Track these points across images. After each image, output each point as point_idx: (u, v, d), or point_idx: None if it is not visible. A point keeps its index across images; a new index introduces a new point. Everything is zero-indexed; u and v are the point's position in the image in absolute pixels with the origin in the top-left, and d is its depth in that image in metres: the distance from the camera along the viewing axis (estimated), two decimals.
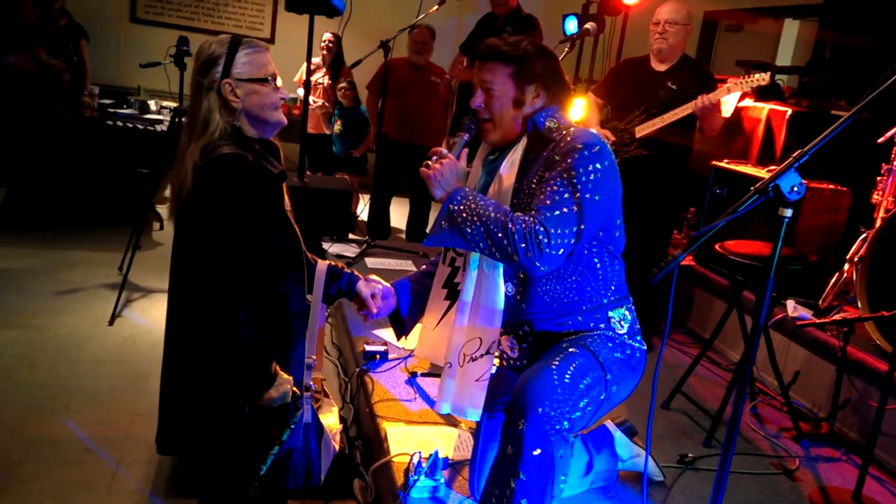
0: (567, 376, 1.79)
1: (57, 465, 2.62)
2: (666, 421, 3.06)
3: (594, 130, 1.96)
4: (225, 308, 1.73)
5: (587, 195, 1.80)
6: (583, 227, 1.80)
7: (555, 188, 1.81)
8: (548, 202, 1.79)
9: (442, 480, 2.30)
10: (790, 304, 3.52)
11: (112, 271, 4.57)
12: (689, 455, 2.71)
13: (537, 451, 1.74)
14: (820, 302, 3.54)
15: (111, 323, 3.85)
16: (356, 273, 2.17)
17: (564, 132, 1.92)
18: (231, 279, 1.73)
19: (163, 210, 5.99)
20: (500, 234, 1.76)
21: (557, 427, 1.75)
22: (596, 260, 1.96)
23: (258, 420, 1.80)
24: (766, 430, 3.08)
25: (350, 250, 4.90)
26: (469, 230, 1.81)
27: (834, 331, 3.21)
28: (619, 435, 2.50)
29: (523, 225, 1.76)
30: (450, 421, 2.74)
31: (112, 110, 5.92)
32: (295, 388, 1.85)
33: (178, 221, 1.82)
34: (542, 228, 1.75)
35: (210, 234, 1.73)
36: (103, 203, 5.85)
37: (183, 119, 4.54)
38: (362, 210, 6.06)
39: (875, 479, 2.80)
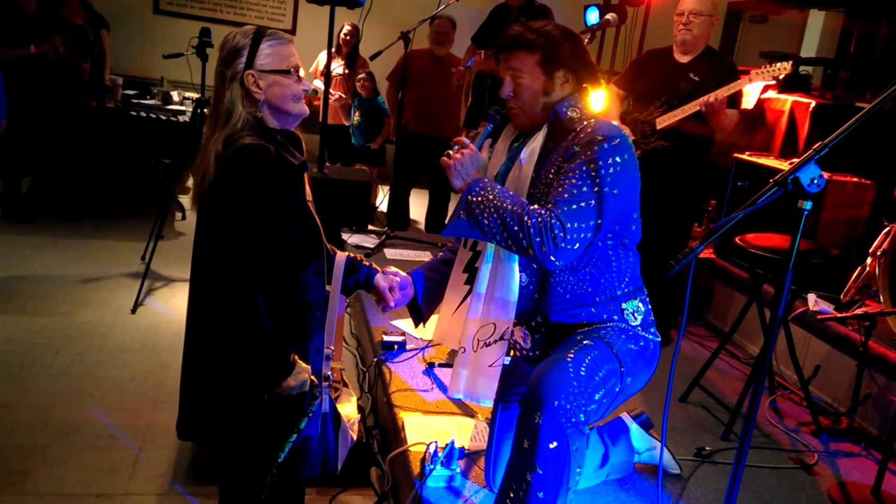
0: (583, 369, 1.79)
1: (81, 451, 2.68)
2: (684, 414, 3.05)
3: (614, 122, 1.95)
4: (245, 297, 1.75)
5: (606, 189, 1.79)
6: (600, 221, 1.80)
7: (573, 181, 1.80)
8: (566, 195, 1.79)
9: (458, 470, 2.32)
10: (811, 297, 3.49)
11: (135, 260, 4.63)
12: (707, 448, 2.70)
13: (553, 445, 1.74)
14: (841, 296, 3.51)
15: (134, 311, 3.91)
16: (374, 266, 2.18)
17: (585, 123, 1.91)
18: (251, 268, 1.75)
19: (185, 200, 6.06)
20: (515, 227, 1.76)
21: (573, 420, 1.75)
22: (611, 252, 1.95)
23: (276, 408, 1.82)
24: (785, 425, 3.06)
25: (369, 241, 4.92)
26: (486, 221, 1.81)
27: (855, 325, 3.18)
28: (634, 427, 2.50)
29: (539, 219, 1.75)
30: (466, 411, 2.75)
31: (135, 101, 5.97)
32: (313, 377, 1.87)
33: (201, 210, 1.85)
34: (558, 222, 1.74)
35: (231, 223, 1.75)
36: (126, 193, 5.93)
37: (205, 110, 4.60)
38: (381, 201, 6.08)
39: (895, 474, 2.78)
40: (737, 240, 3.15)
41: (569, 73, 1.96)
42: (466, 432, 2.62)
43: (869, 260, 3.40)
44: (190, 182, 6.68)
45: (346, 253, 2.16)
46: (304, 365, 1.84)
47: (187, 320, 1.92)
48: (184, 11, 7.79)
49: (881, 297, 3.21)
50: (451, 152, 1.92)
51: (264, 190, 1.76)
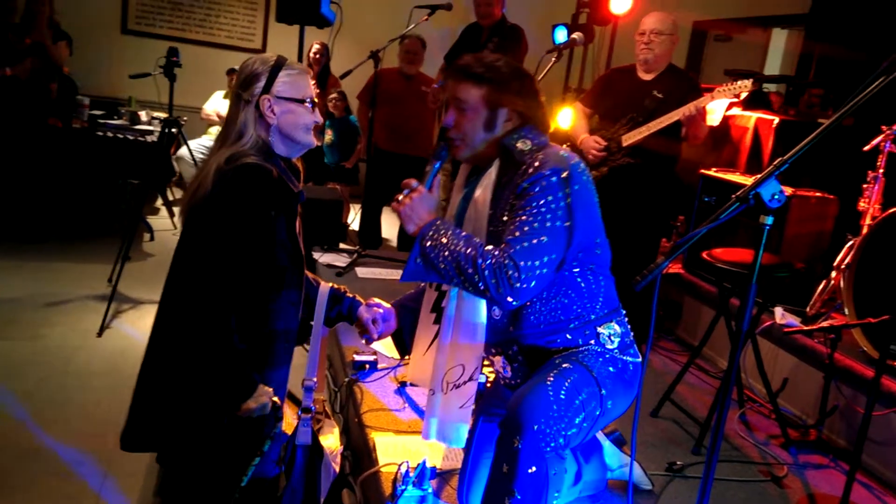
0: (563, 392, 1.78)
1: (44, 478, 2.61)
2: (655, 429, 3.06)
3: (564, 153, 1.90)
4: (218, 312, 1.74)
5: (557, 223, 1.78)
6: (554, 256, 1.78)
7: (524, 218, 1.78)
8: (517, 233, 1.77)
9: (430, 490, 2.29)
10: (778, 311, 3.54)
11: (101, 283, 4.56)
12: (678, 463, 2.71)
13: (532, 469, 1.72)
14: (808, 309, 3.56)
15: (100, 335, 3.84)
16: (358, 297, 2.19)
17: (535, 155, 1.88)
18: (230, 285, 1.75)
19: (153, 221, 5.99)
20: (470, 270, 1.74)
21: (553, 445, 1.73)
22: (579, 279, 1.93)
23: (236, 430, 1.80)
24: (754, 438, 3.08)
25: (341, 260, 4.90)
26: (442, 265, 1.79)
27: (821, 338, 3.23)
28: (608, 444, 2.50)
29: (492, 260, 1.73)
30: None
31: (102, 121, 5.91)
32: (276, 399, 1.86)
33: (189, 220, 1.86)
34: (511, 262, 1.72)
35: (218, 237, 1.76)
36: (93, 214, 5.84)
37: (173, 129, 4.57)
38: (353, 220, 6.07)
39: (863, 485, 2.81)
40: (704, 254, 3.18)
41: (513, 112, 1.94)
42: (439, 452, 2.60)
43: (833, 273, 3.46)
44: (158, 202, 6.62)
45: (330, 284, 2.17)
46: (265, 388, 1.83)
47: (153, 328, 1.90)
48: (152, 31, 7.73)
49: (846, 310, 3.26)
50: (400, 197, 1.89)
51: (259, 209, 1.79)
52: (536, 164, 1.84)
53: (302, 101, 1.92)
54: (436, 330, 2.12)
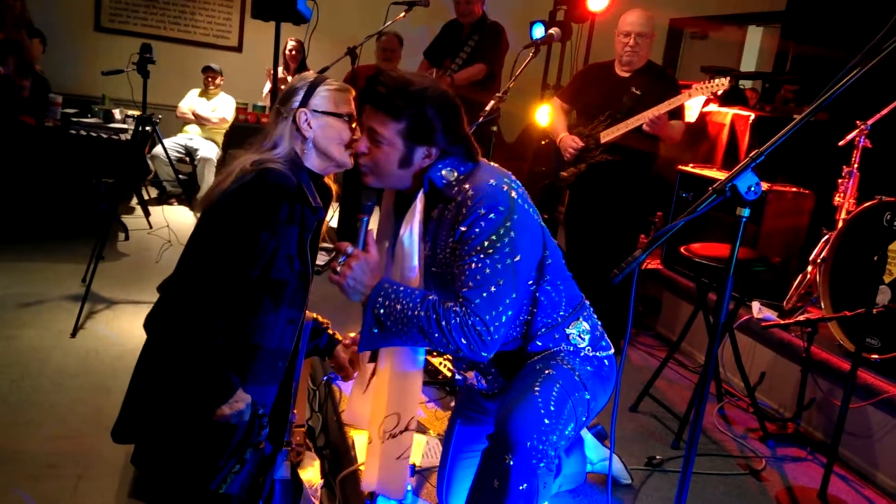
0: (552, 403, 1.75)
1: (18, 481, 2.56)
2: (634, 423, 3.07)
3: (493, 180, 1.77)
4: (207, 308, 1.74)
5: (508, 261, 1.71)
6: (514, 294, 1.72)
7: (474, 266, 1.70)
8: (471, 284, 1.70)
9: (409, 488, 2.28)
10: (755, 305, 3.56)
11: (75, 283, 4.49)
12: (657, 457, 2.72)
13: (524, 486, 1.69)
14: (784, 303, 3.59)
15: (74, 335, 3.78)
16: (337, 335, 2.21)
17: (463, 186, 1.78)
18: (223, 282, 1.74)
19: (128, 220, 5.91)
20: (437, 335, 1.68)
21: (545, 461, 1.70)
22: (538, 295, 1.90)
23: (210, 434, 1.78)
24: (732, 431, 3.10)
25: (319, 258, 4.86)
26: (403, 332, 1.71)
27: (798, 331, 3.25)
28: (589, 438, 2.50)
29: (457, 319, 1.67)
30: (418, 427, 2.72)
31: (75, 119, 5.82)
32: (258, 407, 1.84)
33: (201, 217, 1.88)
34: (477, 318, 1.67)
35: (221, 233, 1.77)
36: (66, 213, 5.75)
37: (147, 128, 4.51)
38: (331, 218, 6.03)
39: (840, 477, 2.83)
40: (682, 249, 3.19)
41: (432, 149, 1.81)
42: (418, 450, 2.59)
43: (809, 268, 3.49)
44: (134, 202, 6.53)
45: (313, 315, 2.17)
46: (242, 394, 1.81)
47: (150, 316, 1.90)
48: (126, 28, 7.61)
49: (822, 304, 3.29)
50: (337, 267, 1.77)
51: (267, 212, 1.78)
52: (469, 202, 1.73)
53: (339, 116, 1.93)
54: (372, 368, 2.08)
